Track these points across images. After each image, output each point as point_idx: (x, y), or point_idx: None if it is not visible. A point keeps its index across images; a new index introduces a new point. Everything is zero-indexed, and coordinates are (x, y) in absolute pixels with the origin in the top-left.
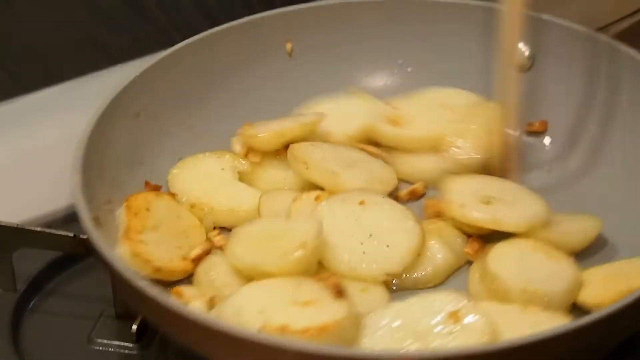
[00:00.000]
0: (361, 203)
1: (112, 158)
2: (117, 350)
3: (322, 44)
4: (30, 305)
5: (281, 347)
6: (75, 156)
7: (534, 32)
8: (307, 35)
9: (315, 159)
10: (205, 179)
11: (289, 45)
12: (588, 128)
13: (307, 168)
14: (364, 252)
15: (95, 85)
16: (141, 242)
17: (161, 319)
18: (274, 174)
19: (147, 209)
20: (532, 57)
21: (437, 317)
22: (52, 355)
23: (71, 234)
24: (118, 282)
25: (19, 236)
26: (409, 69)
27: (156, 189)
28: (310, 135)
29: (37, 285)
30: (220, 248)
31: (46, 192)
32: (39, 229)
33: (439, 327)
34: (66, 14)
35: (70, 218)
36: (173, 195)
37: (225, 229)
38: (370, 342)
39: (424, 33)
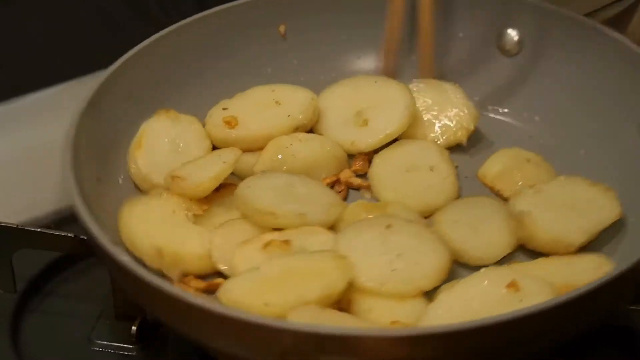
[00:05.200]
0: (388, 227)
1: (103, 138)
2: (117, 351)
3: (317, 26)
4: (30, 306)
5: (283, 329)
6: (67, 135)
7: (523, 16)
8: (301, 18)
9: (279, 206)
10: (159, 223)
11: (282, 28)
12: (575, 113)
13: (276, 218)
14: (393, 270)
15: None
16: None
17: (162, 307)
18: (221, 212)
19: None
20: (521, 42)
21: (499, 295)
22: (51, 356)
23: (71, 235)
24: (114, 271)
25: (19, 237)
26: (402, 53)
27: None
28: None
29: (37, 286)
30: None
31: (46, 192)
32: (38, 229)
33: (504, 302)
34: (66, 14)
35: (70, 218)
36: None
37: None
38: None
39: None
